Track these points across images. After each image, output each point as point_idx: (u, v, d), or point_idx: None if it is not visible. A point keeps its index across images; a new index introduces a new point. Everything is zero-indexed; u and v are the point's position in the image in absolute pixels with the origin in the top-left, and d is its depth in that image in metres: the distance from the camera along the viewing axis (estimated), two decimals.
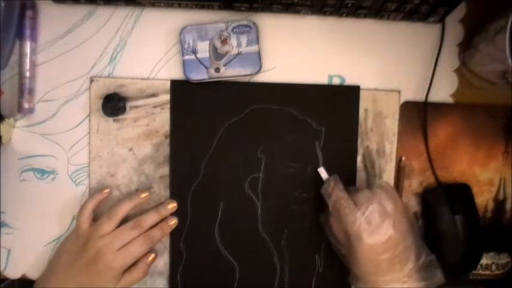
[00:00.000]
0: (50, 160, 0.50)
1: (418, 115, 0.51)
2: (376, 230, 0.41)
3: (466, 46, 0.50)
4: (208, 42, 0.48)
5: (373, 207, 0.42)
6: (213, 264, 0.50)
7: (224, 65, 0.48)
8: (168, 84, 0.50)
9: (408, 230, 0.43)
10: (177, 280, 0.50)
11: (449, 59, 0.51)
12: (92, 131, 0.50)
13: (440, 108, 0.51)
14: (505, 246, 0.52)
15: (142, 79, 0.50)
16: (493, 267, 0.52)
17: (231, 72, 0.48)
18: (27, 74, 0.49)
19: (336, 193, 0.44)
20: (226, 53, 0.48)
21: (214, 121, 0.50)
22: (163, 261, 0.50)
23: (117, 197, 0.50)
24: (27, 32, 0.48)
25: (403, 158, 0.51)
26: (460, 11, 0.50)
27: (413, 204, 0.52)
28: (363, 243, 0.41)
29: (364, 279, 0.43)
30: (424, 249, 0.43)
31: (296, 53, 0.50)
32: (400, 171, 0.51)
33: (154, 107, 0.50)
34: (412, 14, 0.48)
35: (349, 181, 0.50)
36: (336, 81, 0.51)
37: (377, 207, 0.42)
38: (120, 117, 0.50)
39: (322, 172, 0.47)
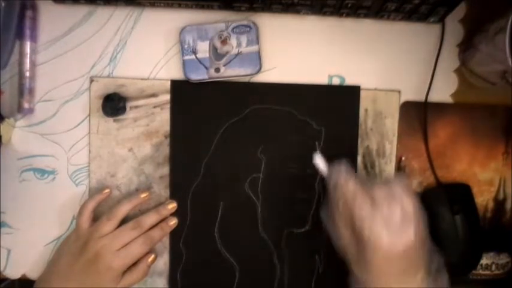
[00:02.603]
0: (50, 160, 0.50)
1: (418, 115, 0.51)
2: (396, 234, 0.36)
3: (466, 46, 0.50)
4: (208, 42, 0.48)
5: (395, 207, 0.37)
6: (213, 264, 0.50)
7: (224, 65, 0.48)
8: (168, 84, 0.50)
9: (426, 236, 0.39)
10: (177, 280, 0.50)
11: (449, 59, 0.51)
12: (92, 131, 0.50)
13: (440, 108, 0.51)
14: (505, 246, 0.52)
15: (142, 79, 0.50)
16: (493, 267, 0.52)
17: (231, 72, 0.48)
18: (27, 74, 0.49)
19: (349, 186, 0.38)
20: (226, 53, 0.48)
21: (214, 121, 0.50)
22: (163, 261, 0.50)
23: (117, 197, 0.50)
24: (27, 32, 0.48)
25: (403, 158, 0.51)
26: (460, 11, 0.50)
27: None
28: (377, 247, 0.36)
29: (370, 283, 0.39)
30: (435, 253, 0.40)
31: (296, 53, 0.50)
32: (400, 171, 0.51)
33: (154, 107, 0.50)
34: (412, 14, 0.48)
35: None
36: (336, 81, 0.51)
37: (398, 208, 0.37)
38: (120, 117, 0.50)
39: (320, 163, 0.42)
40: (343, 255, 0.41)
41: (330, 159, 0.43)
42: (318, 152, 0.43)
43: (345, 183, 0.39)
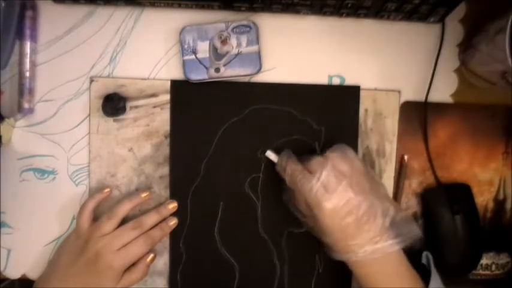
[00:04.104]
0: (50, 160, 0.50)
1: (418, 115, 0.51)
2: (334, 193, 0.40)
3: (466, 46, 0.50)
4: (208, 42, 0.48)
5: (327, 171, 0.40)
6: (213, 264, 0.50)
7: (224, 65, 0.48)
8: (168, 84, 0.50)
9: (369, 188, 0.41)
10: (177, 280, 0.50)
11: (449, 59, 0.51)
12: (92, 131, 0.50)
13: (440, 108, 0.51)
14: (505, 246, 0.52)
15: (142, 79, 0.50)
16: (493, 267, 0.52)
17: (231, 72, 0.48)
18: (27, 74, 0.49)
19: (289, 166, 0.43)
20: (226, 53, 0.48)
21: (214, 121, 0.50)
22: (163, 261, 0.50)
23: (117, 197, 0.50)
24: (27, 32, 0.48)
25: (405, 156, 0.51)
26: (460, 11, 0.50)
27: (413, 204, 0.52)
28: (323, 210, 0.40)
29: (335, 246, 0.42)
30: (392, 205, 0.42)
31: (296, 53, 0.50)
32: (401, 169, 0.51)
33: (154, 107, 0.50)
34: (412, 14, 0.48)
35: None
36: (336, 81, 0.51)
37: (331, 171, 0.40)
38: (120, 117, 0.50)
39: (271, 155, 0.47)
40: (309, 230, 0.45)
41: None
42: (268, 150, 0.48)
43: (286, 165, 0.43)
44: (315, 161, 0.42)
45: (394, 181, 0.51)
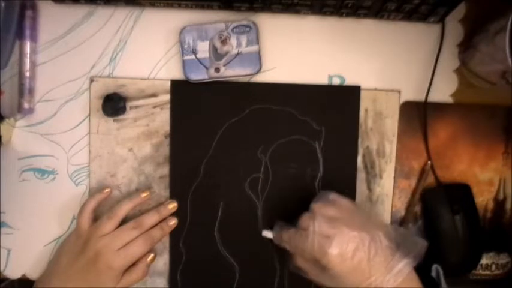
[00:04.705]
0: (50, 160, 0.50)
1: (418, 115, 0.51)
2: (334, 238, 0.39)
3: (466, 46, 0.50)
4: (208, 42, 0.48)
5: (318, 221, 0.41)
6: (213, 264, 0.50)
7: (224, 65, 0.48)
8: (168, 84, 0.50)
9: (363, 221, 0.41)
10: (177, 280, 0.50)
11: (449, 59, 0.51)
12: (92, 131, 0.50)
13: (440, 108, 0.51)
14: (505, 246, 0.52)
15: (142, 79, 0.50)
16: (493, 267, 0.52)
17: (231, 72, 0.48)
18: (27, 74, 0.49)
19: (285, 235, 0.44)
20: (226, 53, 0.48)
21: (214, 121, 0.50)
22: (163, 261, 0.50)
23: (117, 197, 0.50)
24: (27, 32, 0.48)
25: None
26: (460, 11, 0.50)
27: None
28: (331, 257, 0.39)
29: None
30: (388, 226, 0.42)
31: (296, 53, 0.50)
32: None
33: (154, 107, 0.50)
34: (412, 14, 0.48)
35: (349, 181, 0.50)
36: (336, 81, 0.51)
37: (321, 219, 0.41)
38: (120, 117, 0.50)
39: (268, 234, 0.47)
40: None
41: (332, 171, 0.48)
42: (263, 230, 0.48)
43: (282, 235, 0.44)
44: (303, 219, 0.42)
45: (395, 181, 0.51)
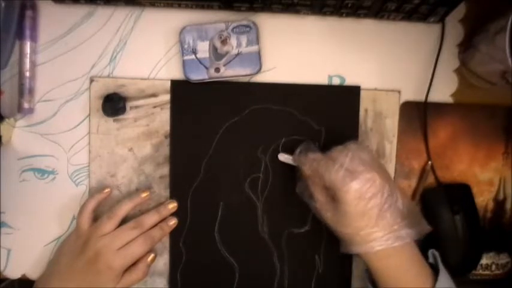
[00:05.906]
0: (50, 160, 0.50)
1: (418, 115, 0.51)
2: (360, 174, 0.40)
3: (466, 46, 0.50)
4: (208, 42, 0.48)
5: (351, 157, 0.41)
6: (213, 264, 0.50)
7: (224, 65, 0.48)
8: (168, 84, 0.50)
9: (388, 177, 0.42)
10: (177, 280, 0.50)
11: (449, 59, 0.51)
12: (92, 131, 0.50)
13: (440, 108, 0.51)
14: (505, 246, 0.52)
15: (142, 79, 0.50)
16: (493, 267, 0.52)
17: (231, 72, 0.48)
18: (27, 74, 0.49)
19: (310, 156, 0.44)
20: (226, 53, 0.48)
21: (214, 121, 0.50)
22: (163, 261, 0.50)
23: (117, 197, 0.50)
24: (27, 32, 0.48)
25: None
26: (460, 11, 0.50)
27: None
28: (349, 191, 0.39)
29: (357, 236, 0.41)
30: (405, 197, 0.42)
31: (296, 53, 0.50)
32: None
33: (154, 107, 0.50)
34: (412, 14, 0.48)
35: None
36: (336, 81, 0.51)
37: (355, 157, 0.41)
38: (120, 117, 0.50)
39: (284, 156, 0.47)
40: (324, 221, 0.44)
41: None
42: (280, 153, 0.49)
43: (309, 156, 0.44)
44: (337, 151, 0.42)
45: (395, 181, 0.51)
